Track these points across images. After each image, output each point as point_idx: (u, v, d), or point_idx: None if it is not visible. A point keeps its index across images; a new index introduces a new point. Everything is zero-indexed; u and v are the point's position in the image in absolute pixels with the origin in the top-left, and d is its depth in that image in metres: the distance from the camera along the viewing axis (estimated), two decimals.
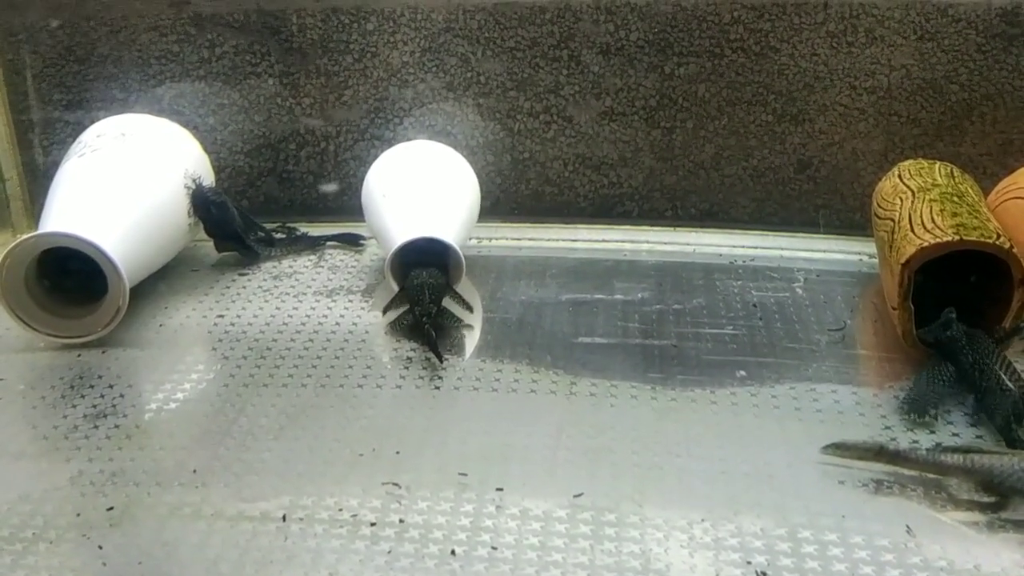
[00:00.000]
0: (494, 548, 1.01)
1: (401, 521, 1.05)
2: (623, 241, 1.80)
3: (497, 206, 1.88)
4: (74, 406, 1.26)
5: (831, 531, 1.04)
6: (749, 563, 0.99)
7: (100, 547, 1.00)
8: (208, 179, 1.66)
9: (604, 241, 1.80)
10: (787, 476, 1.13)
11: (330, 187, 1.72)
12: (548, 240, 1.81)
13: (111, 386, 1.31)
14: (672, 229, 1.84)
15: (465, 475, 1.12)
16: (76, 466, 1.13)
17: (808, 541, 1.02)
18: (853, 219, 1.84)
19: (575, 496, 1.09)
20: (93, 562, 0.98)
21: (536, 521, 1.05)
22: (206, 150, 1.72)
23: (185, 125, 1.73)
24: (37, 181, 1.85)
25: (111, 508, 1.06)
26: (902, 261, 1.33)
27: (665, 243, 1.79)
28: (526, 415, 1.25)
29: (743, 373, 1.35)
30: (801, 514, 1.06)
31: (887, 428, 1.22)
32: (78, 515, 1.05)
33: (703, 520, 1.05)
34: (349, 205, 1.91)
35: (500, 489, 1.10)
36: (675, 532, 1.04)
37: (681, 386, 1.32)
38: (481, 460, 1.15)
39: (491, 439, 1.20)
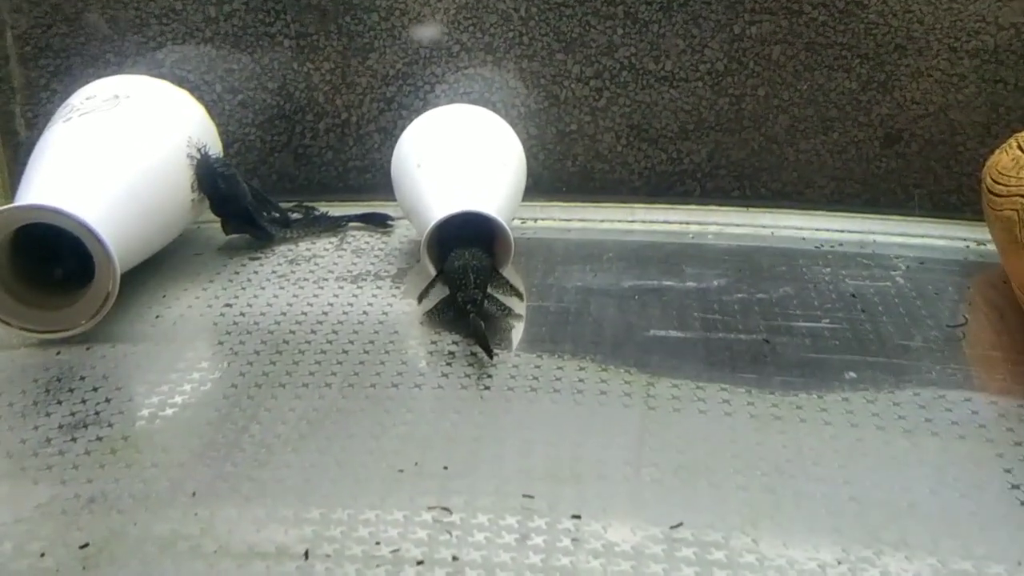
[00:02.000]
0: None
1: (455, 559, 0.82)
2: (687, 223, 1.57)
3: (540, 184, 1.66)
4: (48, 414, 1.04)
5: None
6: None
7: None
8: (215, 149, 1.44)
9: (665, 223, 1.58)
10: (933, 506, 0.90)
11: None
12: (601, 221, 1.58)
13: (95, 389, 1.09)
14: (744, 210, 1.62)
15: (531, 498, 0.90)
16: (45, 490, 0.91)
17: None
18: (948, 201, 1.61)
19: (672, 527, 0.87)
20: None
21: (625, 559, 0.83)
22: (213, 120, 1.51)
23: (189, 94, 1.51)
24: (19, 157, 1.63)
25: (85, 545, 0.84)
26: None
27: (736, 225, 1.56)
28: (598, 423, 1.03)
29: (853, 375, 1.12)
30: (963, 556, 0.84)
31: None
32: (42, 555, 0.83)
33: (839, 562, 0.83)
34: (374, 183, 1.69)
35: (576, 516, 0.88)
36: None
37: (781, 389, 1.09)
38: (548, 479, 0.93)
39: (558, 452, 0.97)
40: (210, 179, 1.39)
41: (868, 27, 1.56)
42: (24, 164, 1.31)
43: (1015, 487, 0.92)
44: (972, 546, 0.85)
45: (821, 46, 1.58)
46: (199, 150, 1.39)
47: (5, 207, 1.15)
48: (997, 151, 1.42)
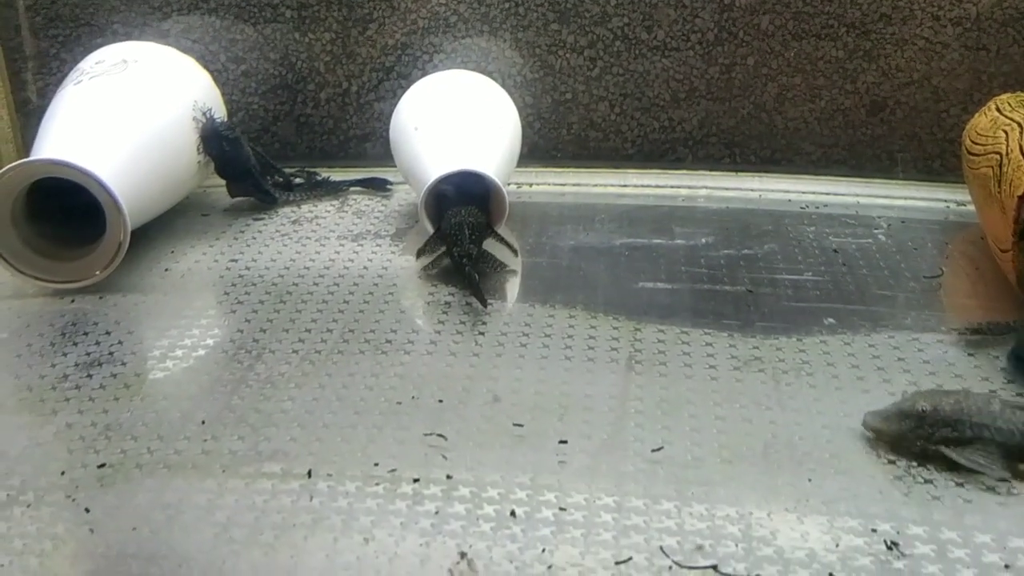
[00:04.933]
0: (562, 509, 0.84)
1: (449, 477, 0.88)
2: (678, 187, 1.62)
3: (535, 152, 1.71)
4: (65, 354, 1.09)
5: (968, 495, 0.86)
6: (874, 531, 0.82)
7: (87, 510, 0.84)
8: (220, 114, 1.49)
9: (657, 187, 1.62)
10: None
11: None
12: (594, 186, 1.63)
13: (108, 333, 1.14)
14: (733, 174, 1.67)
15: (521, 426, 0.95)
16: (63, 418, 0.97)
17: (942, 507, 0.85)
18: (932, 166, 1.66)
19: (653, 451, 0.92)
20: (79, 528, 0.82)
21: (608, 479, 0.88)
22: (218, 88, 1.56)
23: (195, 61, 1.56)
24: (31, 123, 1.68)
25: (103, 465, 0.89)
26: (1018, 193, 1.16)
27: (725, 188, 1.61)
28: (586, 364, 1.08)
29: (832, 321, 1.17)
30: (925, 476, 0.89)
31: (1010, 383, 1.04)
32: (63, 473, 0.88)
33: (810, 480, 0.88)
34: (374, 151, 1.74)
35: (564, 442, 0.93)
36: (777, 494, 0.87)
37: (763, 334, 1.14)
38: (537, 411, 0.98)
39: (547, 389, 1.03)
40: (215, 141, 1.44)
41: None
42: (36, 129, 1.36)
43: None
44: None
45: (808, 15, 1.63)
46: (204, 113, 1.44)
47: (21, 161, 1.20)
48: (976, 114, 1.47)
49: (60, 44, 1.69)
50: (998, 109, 1.41)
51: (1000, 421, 0.90)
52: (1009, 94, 1.46)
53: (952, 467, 0.89)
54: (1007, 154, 1.26)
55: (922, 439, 0.91)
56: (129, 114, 1.32)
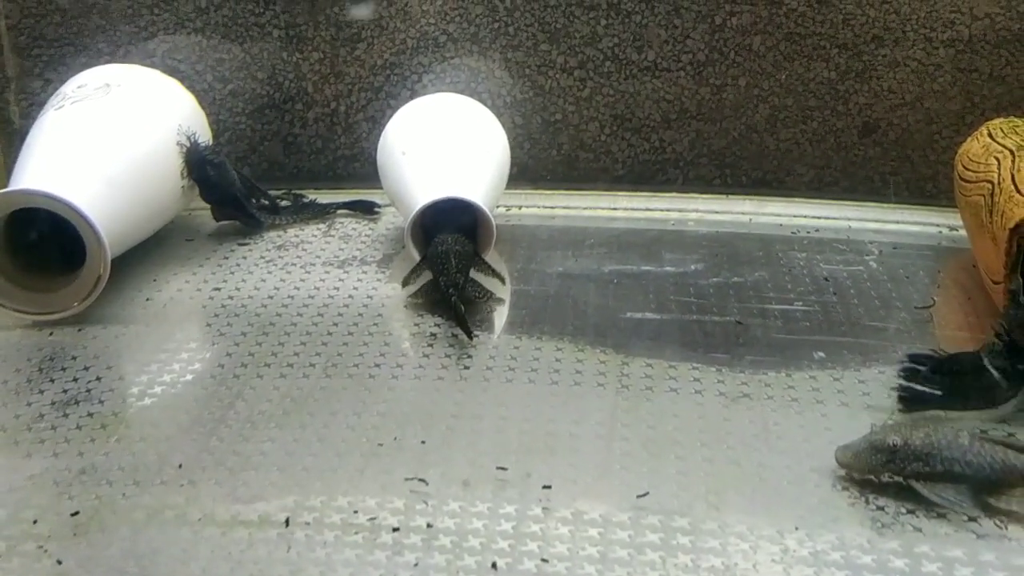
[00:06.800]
0: (544, 560, 0.82)
1: (429, 526, 0.86)
2: (668, 210, 1.61)
3: (525, 173, 1.69)
4: (41, 392, 1.07)
5: (956, 546, 0.85)
6: None
7: (59, 562, 0.82)
8: (205, 137, 1.47)
9: (647, 210, 1.61)
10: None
11: None
12: (584, 209, 1.62)
13: (86, 368, 1.12)
14: (724, 197, 1.65)
15: (504, 469, 0.94)
16: (38, 462, 0.95)
17: (929, 558, 0.84)
18: (924, 188, 1.65)
19: (639, 496, 0.90)
20: None
21: (593, 527, 0.87)
22: (203, 109, 1.54)
23: (179, 83, 1.54)
24: (13, 145, 1.66)
25: (76, 513, 0.88)
26: (1010, 226, 1.14)
27: (716, 212, 1.60)
28: (572, 400, 1.06)
29: (822, 354, 1.16)
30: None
31: (1002, 421, 1.03)
32: (35, 522, 0.86)
33: (797, 528, 0.87)
34: (362, 172, 1.72)
35: (547, 487, 0.91)
36: (764, 543, 0.85)
37: (751, 368, 1.13)
38: (522, 452, 0.97)
39: (532, 427, 1.01)
40: (200, 166, 1.42)
41: (846, 17, 1.59)
42: (17, 152, 1.34)
43: None
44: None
45: (800, 36, 1.61)
46: (189, 138, 1.42)
47: None
48: (969, 139, 1.45)
49: (44, 64, 1.67)
50: (990, 135, 1.40)
51: (970, 455, 0.90)
52: (1001, 119, 1.44)
53: (930, 506, 0.88)
54: (999, 183, 1.25)
55: (893, 473, 0.91)
56: (111, 141, 1.30)
